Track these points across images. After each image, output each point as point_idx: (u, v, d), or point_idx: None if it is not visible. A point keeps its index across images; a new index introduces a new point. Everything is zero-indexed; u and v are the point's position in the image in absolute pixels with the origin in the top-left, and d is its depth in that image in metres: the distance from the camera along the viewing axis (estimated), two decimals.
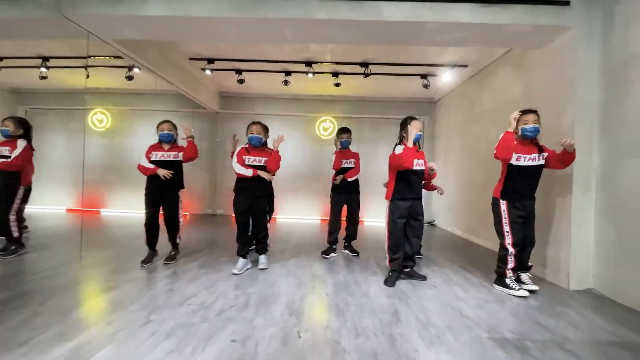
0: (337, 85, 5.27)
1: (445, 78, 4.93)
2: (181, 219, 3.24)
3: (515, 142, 2.57)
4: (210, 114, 6.81)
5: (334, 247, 3.64)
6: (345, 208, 3.68)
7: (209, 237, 4.50)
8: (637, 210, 2.38)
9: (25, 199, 3.33)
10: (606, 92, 2.70)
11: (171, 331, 1.81)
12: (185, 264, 3.12)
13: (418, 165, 2.71)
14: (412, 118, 2.73)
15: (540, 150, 2.59)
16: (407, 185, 2.71)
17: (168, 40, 3.99)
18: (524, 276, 2.70)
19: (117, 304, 2.17)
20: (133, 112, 6.85)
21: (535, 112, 2.57)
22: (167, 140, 3.10)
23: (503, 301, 2.43)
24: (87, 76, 5.36)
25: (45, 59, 4.90)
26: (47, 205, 6.70)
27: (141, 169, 3.02)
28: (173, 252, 3.23)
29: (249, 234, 3.11)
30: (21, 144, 3.21)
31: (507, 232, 2.60)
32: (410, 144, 2.66)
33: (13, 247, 3.21)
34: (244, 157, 2.93)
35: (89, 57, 4.87)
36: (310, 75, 4.91)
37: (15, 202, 3.20)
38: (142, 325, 1.86)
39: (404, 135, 2.72)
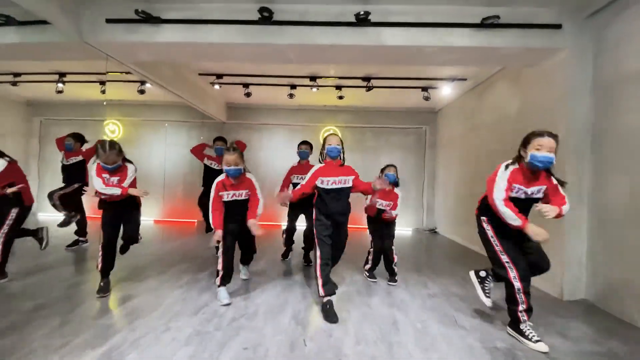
0: (341, 98, 5.45)
1: (445, 91, 5.08)
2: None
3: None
4: (217, 124, 7.03)
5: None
6: None
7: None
8: (623, 224, 2.52)
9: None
10: (596, 110, 2.85)
11: (189, 338, 1.98)
12: (196, 274, 3.30)
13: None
14: None
15: None
16: None
17: (181, 62, 4.20)
18: None
19: (139, 311, 2.36)
20: (144, 123, 7.07)
21: None
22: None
23: (498, 311, 2.57)
24: (103, 91, 5.60)
25: (62, 74, 5.16)
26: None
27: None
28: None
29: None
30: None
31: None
32: None
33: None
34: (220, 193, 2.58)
35: (105, 73, 5.12)
36: (314, 89, 5.10)
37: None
38: (163, 332, 2.04)
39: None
